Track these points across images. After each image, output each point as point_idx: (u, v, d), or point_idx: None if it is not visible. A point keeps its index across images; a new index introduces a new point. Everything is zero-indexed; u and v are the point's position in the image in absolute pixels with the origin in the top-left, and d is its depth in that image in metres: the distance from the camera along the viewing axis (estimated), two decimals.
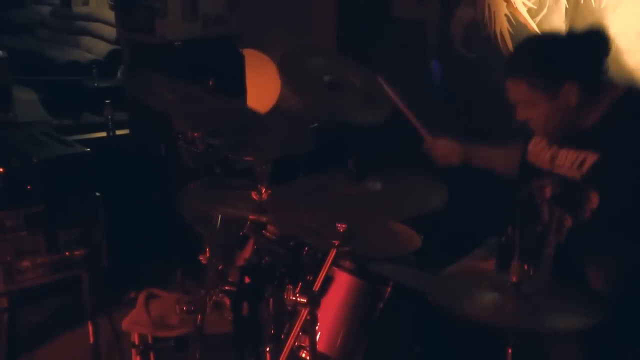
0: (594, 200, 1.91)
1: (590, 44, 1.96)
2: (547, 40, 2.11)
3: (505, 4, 3.11)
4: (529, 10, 3.01)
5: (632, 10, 2.65)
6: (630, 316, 1.84)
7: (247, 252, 2.00)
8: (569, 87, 1.91)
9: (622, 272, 1.88)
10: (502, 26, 3.13)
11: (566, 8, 2.85)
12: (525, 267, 1.63)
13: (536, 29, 2.98)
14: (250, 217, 1.96)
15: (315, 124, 2.83)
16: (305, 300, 1.79)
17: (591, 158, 1.93)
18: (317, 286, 1.81)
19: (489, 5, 3.16)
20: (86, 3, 7.09)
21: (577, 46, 1.97)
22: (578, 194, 1.95)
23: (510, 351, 1.64)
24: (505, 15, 3.12)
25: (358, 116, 2.40)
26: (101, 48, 6.07)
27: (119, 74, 5.45)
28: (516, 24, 3.08)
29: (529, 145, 2.16)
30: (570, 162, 1.98)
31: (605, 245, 1.89)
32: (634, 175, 1.86)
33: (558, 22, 2.89)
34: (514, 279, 1.62)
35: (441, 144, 2.47)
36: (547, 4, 2.94)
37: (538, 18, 2.99)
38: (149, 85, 2.13)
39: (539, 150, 2.11)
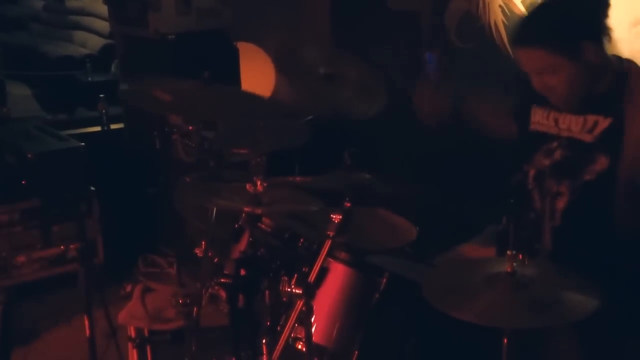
0: (602, 162, 1.93)
1: (590, 2, 1.99)
2: (553, 5, 2.09)
3: None
4: (523, 1, 3.00)
5: (626, 0, 2.65)
6: (629, 306, 1.85)
7: (242, 244, 2.00)
8: (586, 46, 1.93)
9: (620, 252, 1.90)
10: (497, 17, 3.13)
11: None
12: (521, 256, 1.63)
13: None
14: (246, 209, 1.95)
15: (310, 117, 2.83)
16: (300, 292, 1.79)
17: (604, 122, 1.96)
18: (312, 277, 1.81)
19: None
20: None
21: (581, 5, 1.99)
22: (585, 155, 1.97)
23: (506, 341, 1.64)
24: (500, 6, 3.12)
25: (354, 109, 2.40)
26: (95, 42, 6.06)
27: (113, 69, 5.44)
28: (510, 15, 3.07)
29: (530, 117, 2.16)
30: (579, 125, 2.01)
31: (605, 217, 1.91)
32: None
33: None
34: (509, 269, 1.62)
35: (428, 96, 2.34)
36: None
37: None
38: (141, 91, 2.12)
39: (540, 118, 2.12)
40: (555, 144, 2.05)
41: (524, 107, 2.19)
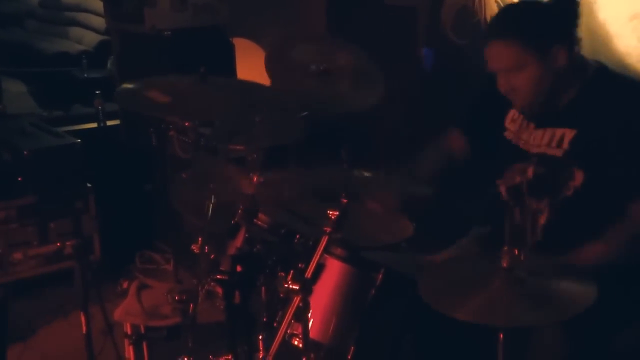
0: (578, 177, 1.93)
1: (563, 9, 1.97)
2: (529, 4, 2.09)
3: None
4: None
5: None
6: (616, 300, 1.85)
7: (238, 240, 2.00)
8: (558, 50, 1.92)
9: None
10: (493, 12, 3.13)
11: None
12: (516, 251, 1.63)
13: None
14: (242, 205, 1.95)
15: (306, 112, 2.82)
16: (297, 288, 1.79)
17: (570, 133, 1.95)
18: (309, 273, 1.81)
19: None
20: None
21: (555, 10, 1.97)
22: (560, 171, 1.96)
23: (501, 337, 1.64)
24: (496, 1, 3.12)
25: (350, 102, 2.39)
26: (91, 39, 6.03)
27: (109, 65, 5.42)
28: None
29: (505, 120, 2.14)
30: (548, 139, 2.00)
31: (587, 229, 1.90)
32: (613, 150, 1.88)
33: None
34: (505, 265, 1.62)
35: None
36: None
37: None
38: (137, 94, 2.10)
39: (516, 129, 2.10)
40: (528, 163, 2.03)
41: (495, 112, 2.17)
